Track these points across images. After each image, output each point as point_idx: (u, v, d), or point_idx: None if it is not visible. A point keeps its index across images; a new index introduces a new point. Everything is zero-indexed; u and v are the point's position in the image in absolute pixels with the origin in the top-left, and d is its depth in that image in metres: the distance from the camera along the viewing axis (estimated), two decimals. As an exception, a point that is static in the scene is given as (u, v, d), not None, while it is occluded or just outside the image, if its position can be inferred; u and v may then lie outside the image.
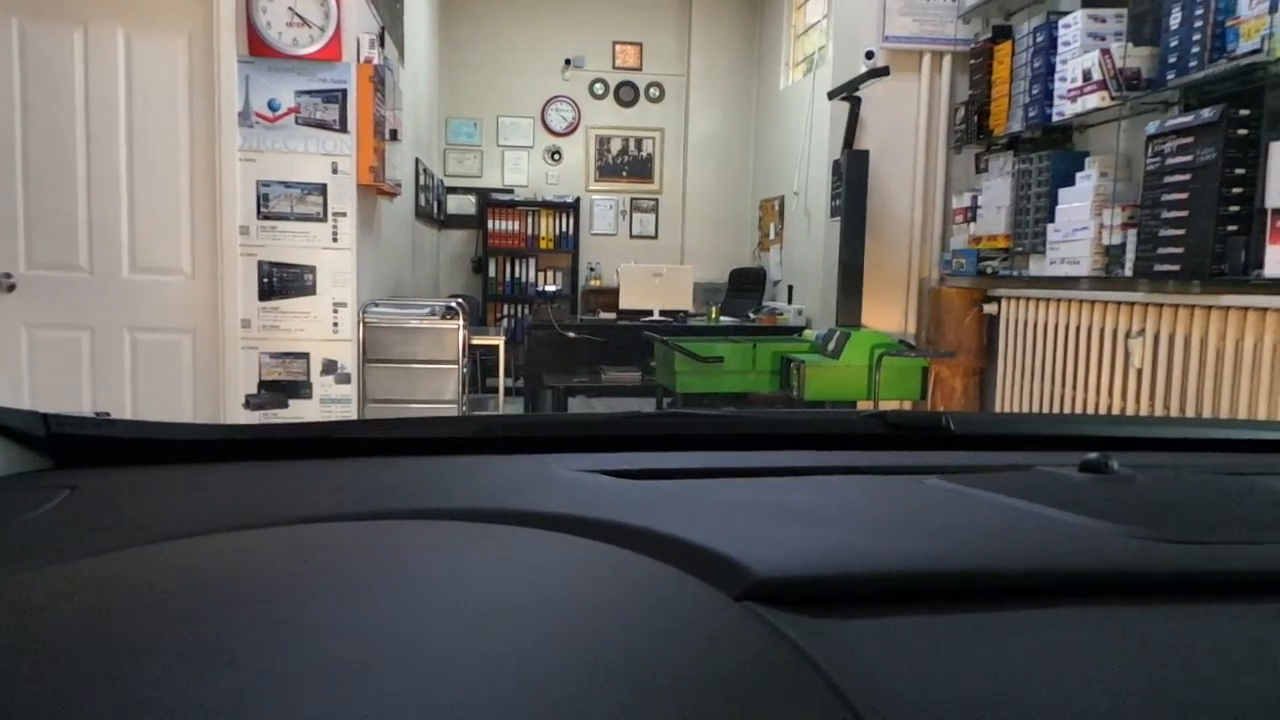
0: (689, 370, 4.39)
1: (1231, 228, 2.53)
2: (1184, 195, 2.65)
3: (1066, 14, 3.39)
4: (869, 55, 4.07)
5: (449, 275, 7.66)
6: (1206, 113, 2.56)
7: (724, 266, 7.49)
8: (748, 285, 7.20)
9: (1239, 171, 2.52)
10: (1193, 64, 2.73)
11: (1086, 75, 3.07)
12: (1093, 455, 0.60)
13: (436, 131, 7.30)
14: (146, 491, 0.57)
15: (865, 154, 4.04)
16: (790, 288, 6.78)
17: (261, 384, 3.50)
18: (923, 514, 0.50)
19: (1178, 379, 2.80)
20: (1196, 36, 2.72)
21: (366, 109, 3.50)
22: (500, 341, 4.45)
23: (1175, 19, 2.79)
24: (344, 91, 3.46)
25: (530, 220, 7.43)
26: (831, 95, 4.14)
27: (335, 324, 3.54)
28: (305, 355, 3.53)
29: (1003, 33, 3.86)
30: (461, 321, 3.76)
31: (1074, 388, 3.34)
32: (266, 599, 0.34)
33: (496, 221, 7.39)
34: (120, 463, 0.65)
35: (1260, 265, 2.44)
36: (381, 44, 3.99)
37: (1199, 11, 2.71)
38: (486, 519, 0.48)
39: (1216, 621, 0.37)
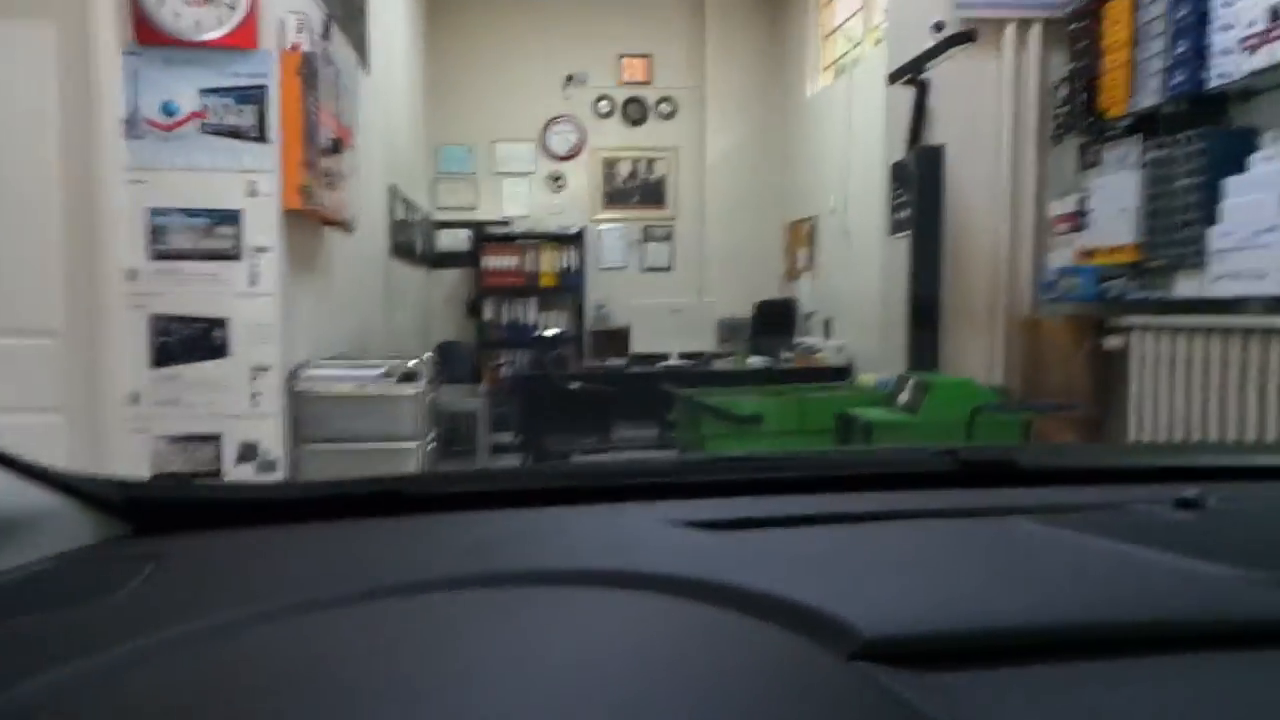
0: (720, 433, 3.49)
1: None
2: None
3: (1214, -52, 2.53)
4: (937, 27, 3.21)
5: (442, 320, 6.83)
6: None
7: (748, 299, 6.61)
8: (777, 320, 6.31)
9: None
10: None
11: (1276, 14, 2.19)
12: (1189, 492, 0.58)
13: (424, 160, 6.52)
14: (230, 560, 0.57)
15: (939, 150, 3.17)
16: (827, 321, 5.89)
17: (156, 478, 2.63)
18: (1020, 561, 0.50)
19: None
20: None
21: (294, 110, 2.67)
22: (477, 406, 3.56)
23: None
24: (263, 89, 2.63)
25: (530, 255, 6.61)
26: (893, 77, 3.29)
27: (255, 395, 2.68)
28: (215, 437, 2.66)
29: (1113, -13, 3.00)
30: (423, 385, 2.89)
31: (1262, 451, 2.41)
32: (370, 682, 0.34)
33: (493, 258, 6.58)
34: (197, 526, 0.64)
35: None
36: (325, 35, 3.19)
37: None
38: (579, 581, 0.48)
39: None
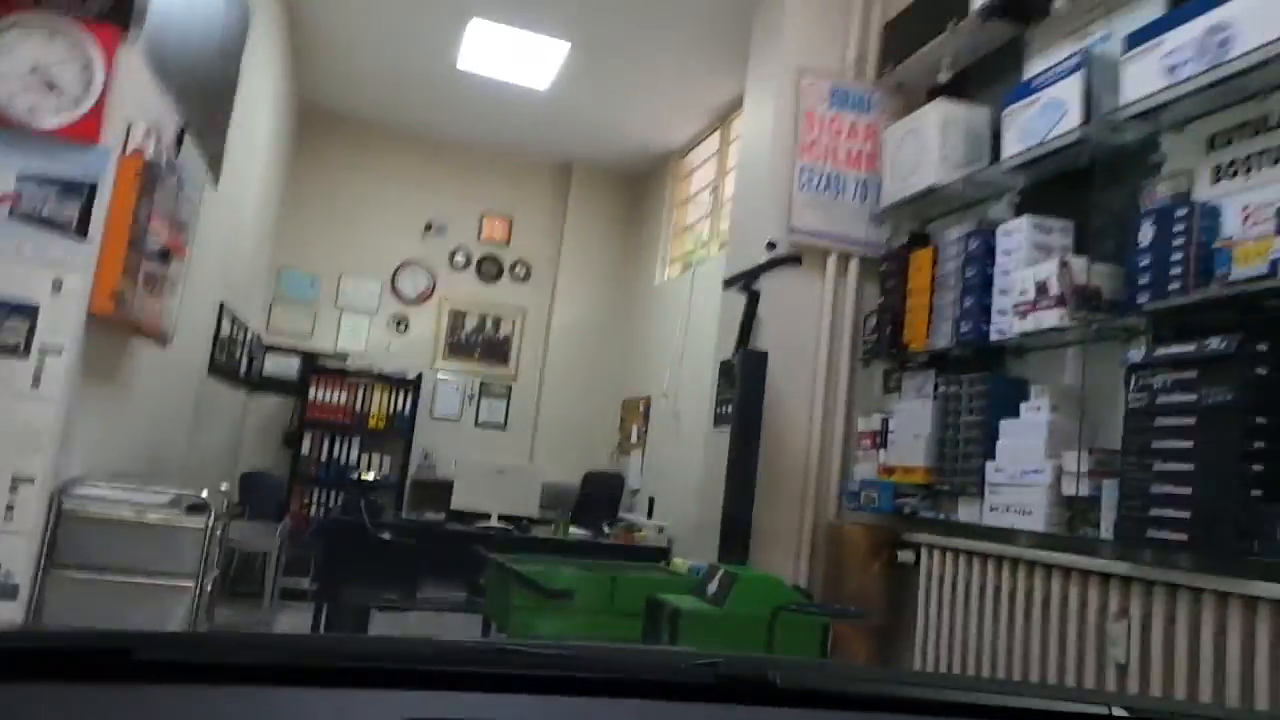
0: (529, 605, 3.39)
1: (1256, 492, 1.94)
2: (1187, 444, 2.06)
3: (999, 223, 2.97)
4: (771, 245, 3.54)
5: (255, 448, 6.41)
6: (1216, 343, 2.02)
7: (577, 468, 6.63)
8: (603, 492, 6.34)
9: (1260, 420, 1.96)
10: (1174, 287, 2.25)
11: (1041, 289, 2.56)
12: None
13: (264, 281, 6.33)
14: None
15: (764, 355, 3.41)
16: (651, 499, 5.98)
17: None
18: None
19: (1181, 683, 2.09)
20: (1177, 256, 2.26)
21: (122, 213, 2.57)
22: (273, 546, 3.33)
23: (1147, 235, 2.34)
24: (92, 186, 2.53)
25: (362, 393, 6.41)
26: (728, 284, 3.56)
27: (9, 507, 2.39)
28: (-52, 552, 2.34)
29: (920, 240, 3.43)
30: (213, 518, 2.68)
31: (1024, 672, 2.59)
32: None
33: (321, 391, 6.33)
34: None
35: (1310, 547, 1.82)
36: (178, 144, 3.13)
37: (1179, 229, 2.26)
38: None
39: None
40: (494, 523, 5.18)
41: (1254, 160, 2.17)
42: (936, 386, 3.13)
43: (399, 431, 6.41)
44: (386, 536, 4.93)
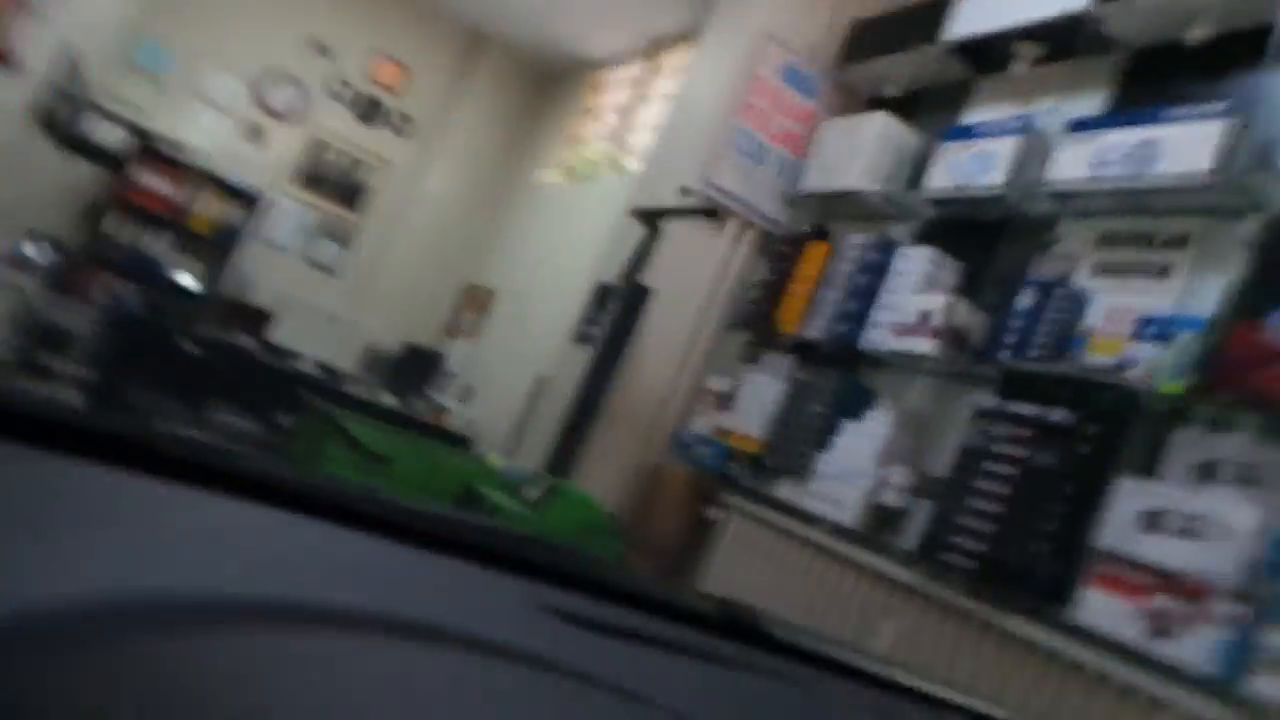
0: (342, 461, 3.31)
1: (1045, 546, 2.25)
2: (1005, 490, 2.35)
3: (898, 242, 3.18)
4: (685, 192, 3.58)
5: (49, 212, 5.68)
6: (1059, 414, 2.31)
7: (400, 336, 6.45)
8: (420, 367, 6.22)
9: (1070, 489, 2.26)
10: (1033, 353, 2.53)
11: (924, 317, 2.78)
12: None
13: (117, 40, 5.57)
14: None
15: (649, 292, 3.47)
16: (468, 388, 5.94)
17: None
18: None
19: (926, 684, 2.41)
20: (1045, 327, 2.53)
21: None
22: (83, 326, 3.05)
23: (1025, 301, 2.60)
24: None
25: (193, 192, 5.85)
26: (637, 215, 3.56)
27: None
28: None
29: (820, 232, 3.59)
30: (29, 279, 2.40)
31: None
32: None
33: (149, 176, 5.71)
34: None
35: (1068, 602, 2.14)
36: None
37: (1054, 304, 2.53)
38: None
39: None
40: (309, 367, 4.98)
41: (1132, 268, 2.46)
42: (793, 371, 3.33)
43: (223, 244, 5.93)
44: (192, 351, 4.62)
